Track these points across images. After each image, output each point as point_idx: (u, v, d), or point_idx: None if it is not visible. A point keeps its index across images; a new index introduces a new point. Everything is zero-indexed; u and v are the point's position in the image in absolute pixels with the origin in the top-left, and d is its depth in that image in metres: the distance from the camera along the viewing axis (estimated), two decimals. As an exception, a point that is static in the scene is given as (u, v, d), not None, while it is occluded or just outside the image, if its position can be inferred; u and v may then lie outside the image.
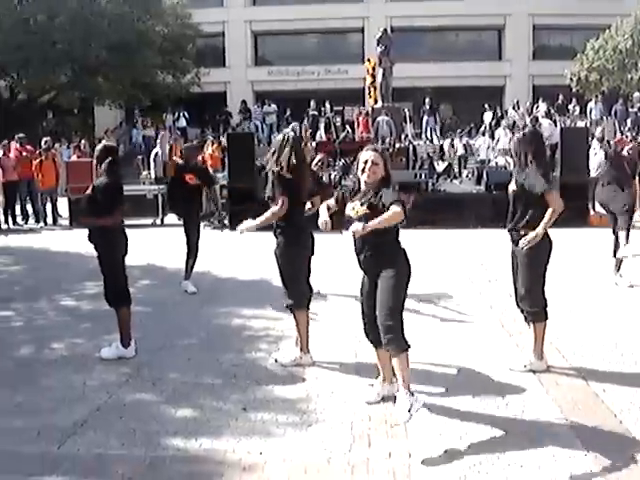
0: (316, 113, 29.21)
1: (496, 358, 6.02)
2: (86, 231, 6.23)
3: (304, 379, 5.58)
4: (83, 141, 23.17)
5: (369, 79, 23.99)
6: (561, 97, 29.72)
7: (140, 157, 23.20)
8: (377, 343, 4.89)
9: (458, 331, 6.90)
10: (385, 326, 4.61)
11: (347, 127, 25.96)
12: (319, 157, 9.91)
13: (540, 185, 5.44)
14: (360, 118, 25.10)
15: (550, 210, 5.40)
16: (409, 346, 4.63)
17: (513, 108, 30.08)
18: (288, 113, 32.22)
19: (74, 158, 19.46)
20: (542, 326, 5.69)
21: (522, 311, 5.80)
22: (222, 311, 7.81)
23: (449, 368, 5.80)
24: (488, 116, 29.36)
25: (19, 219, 16.90)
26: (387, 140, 19.23)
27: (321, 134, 25.45)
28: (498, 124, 28.78)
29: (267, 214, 5.70)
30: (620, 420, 4.66)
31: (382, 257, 4.71)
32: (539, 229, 5.40)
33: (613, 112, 28.19)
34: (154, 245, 11.92)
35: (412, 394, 4.50)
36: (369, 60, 24.39)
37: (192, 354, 6.30)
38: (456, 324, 7.16)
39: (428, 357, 6.02)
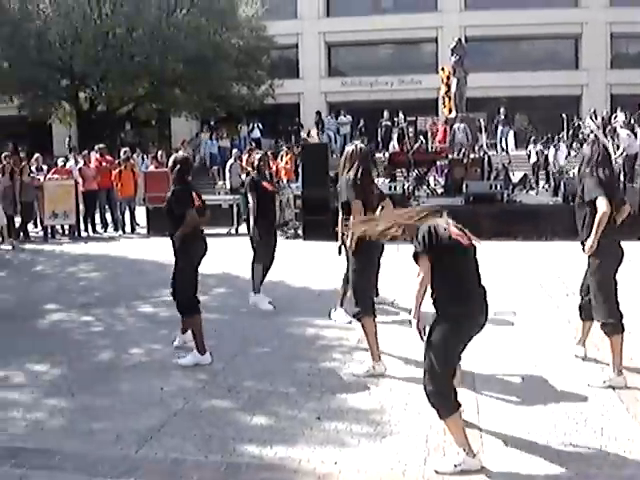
0: (389, 123, 29.21)
1: (574, 373, 5.89)
2: (164, 239, 6.37)
3: (378, 390, 5.57)
4: (160, 152, 23.65)
5: (443, 88, 23.81)
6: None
7: (216, 167, 23.57)
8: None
9: (536, 346, 6.77)
10: None
11: (421, 137, 25.84)
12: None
13: (589, 193, 5.40)
14: (439, 127, 24.86)
15: (597, 217, 5.42)
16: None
17: (590, 118, 29.44)
18: (362, 124, 32.29)
19: (151, 168, 19.87)
20: (619, 339, 5.55)
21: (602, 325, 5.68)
22: (295, 320, 7.86)
23: (526, 383, 5.71)
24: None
25: (98, 227, 17.34)
26: (463, 150, 19.04)
27: (394, 144, 25.38)
28: (575, 134, 28.27)
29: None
30: None
31: None
32: (592, 237, 5.45)
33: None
34: (229, 254, 12.04)
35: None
36: (443, 69, 24.24)
37: (266, 362, 6.35)
38: (534, 338, 7.02)
39: (505, 370, 5.95)
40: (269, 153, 18.12)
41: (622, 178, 17.30)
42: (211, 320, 7.73)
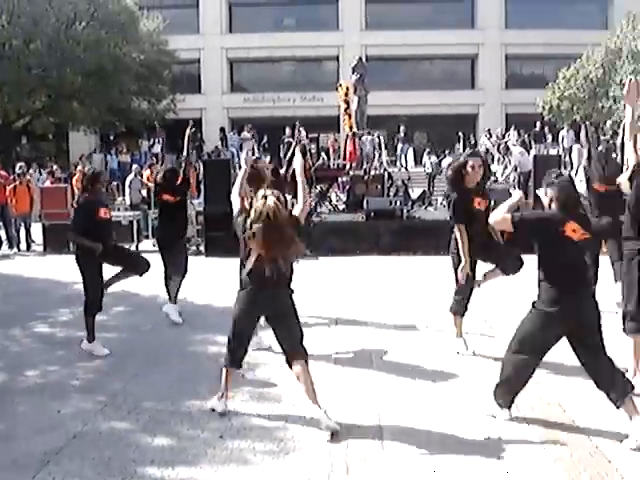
0: (291, 140, 29.32)
1: (472, 382, 6.04)
2: (60, 257, 6.27)
3: (281, 407, 5.56)
4: (55, 166, 23.09)
5: (343, 105, 24.04)
6: (538, 124, 30.10)
7: (115, 183, 23.15)
8: None
9: (436, 356, 6.91)
10: None
11: (322, 154, 26.11)
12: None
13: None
14: (348, 142, 25.03)
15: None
16: None
17: (486, 136, 30.43)
18: (265, 140, 32.34)
19: (48, 184, 19.36)
20: None
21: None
22: (198, 338, 7.77)
23: (434, 386, 5.81)
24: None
25: (-8, 245, 16.75)
26: (369, 163, 19.35)
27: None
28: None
29: None
30: None
31: None
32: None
33: (582, 139, 28.55)
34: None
35: None
36: (340, 85, 24.42)
37: (168, 381, 6.26)
38: (435, 347, 7.16)
39: (410, 374, 6.05)
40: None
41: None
42: (110, 339, 7.59)
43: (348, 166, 20.46)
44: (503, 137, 29.58)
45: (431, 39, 39.65)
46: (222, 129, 34.58)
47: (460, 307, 7.10)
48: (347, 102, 23.63)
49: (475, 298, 7.11)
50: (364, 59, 25.30)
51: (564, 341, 4.85)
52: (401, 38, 39.87)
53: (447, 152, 27.90)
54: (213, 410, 5.35)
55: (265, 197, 4.76)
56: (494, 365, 5.95)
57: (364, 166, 18.95)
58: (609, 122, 29.44)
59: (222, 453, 4.69)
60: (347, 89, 23.72)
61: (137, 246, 16.00)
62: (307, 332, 5.40)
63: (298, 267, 5.54)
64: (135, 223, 16.14)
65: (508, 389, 5.04)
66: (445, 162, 24.88)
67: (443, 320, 7.73)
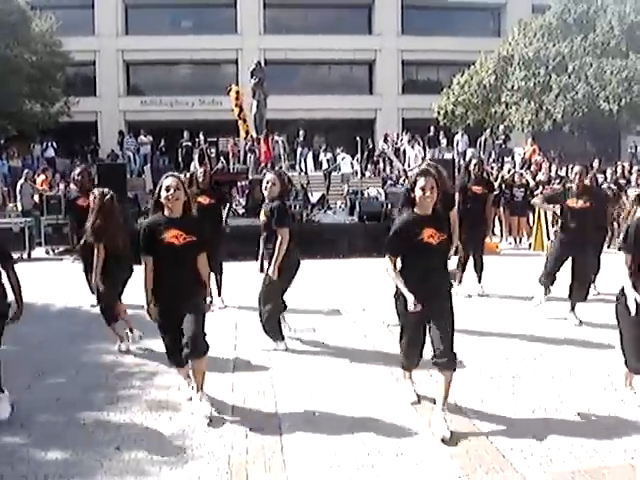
0: (189, 144, 29.04)
1: (374, 386, 6.12)
2: None
3: (179, 415, 5.48)
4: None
5: (236, 110, 23.90)
6: (432, 129, 30.78)
7: (6, 189, 22.36)
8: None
9: (336, 360, 6.96)
10: None
11: (221, 158, 25.94)
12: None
13: None
14: (262, 142, 24.91)
15: None
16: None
17: (384, 140, 30.92)
18: (162, 144, 31.89)
19: None
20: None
21: None
22: (92, 347, 7.58)
23: (331, 394, 5.85)
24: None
25: None
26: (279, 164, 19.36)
27: (195, 165, 25.25)
28: (370, 155, 29.58)
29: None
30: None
31: None
32: None
33: (479, 144, 29.42)
34: (21, 280, 11.46)
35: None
36: (231, 88, 24.27)
37: (62, 393, 6.08)
38: (333, 353, 7.21)
39: (308, 381, 6.07)
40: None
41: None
42: (1, 351, 7.31)
43: (263, 166, 20.39)
44: (396, 142, 30.13)
45: (329, 44, 39.98)
46: (121, 132, 33.91)
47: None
48: (240, 106, 23.54)
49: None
50: (263, 63, 25.30)
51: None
52: (300, 42, 40.07)
53: (341, 149, 28.34)
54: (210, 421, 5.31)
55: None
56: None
57: (275, 167, 18.91)
58: (501, 127, 30.37)
59: (118, 464, 4.59)
60: (237, 93, 23.62)
61: (29, 254, 15.51)
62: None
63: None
64: (27, 230, 15.62)
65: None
66: (340, 159, 25.40)
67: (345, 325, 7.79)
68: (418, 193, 5.15)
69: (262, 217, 7.21)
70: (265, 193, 7.19)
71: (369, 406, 5.60)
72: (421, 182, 5.14)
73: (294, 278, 7.30)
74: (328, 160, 27.61)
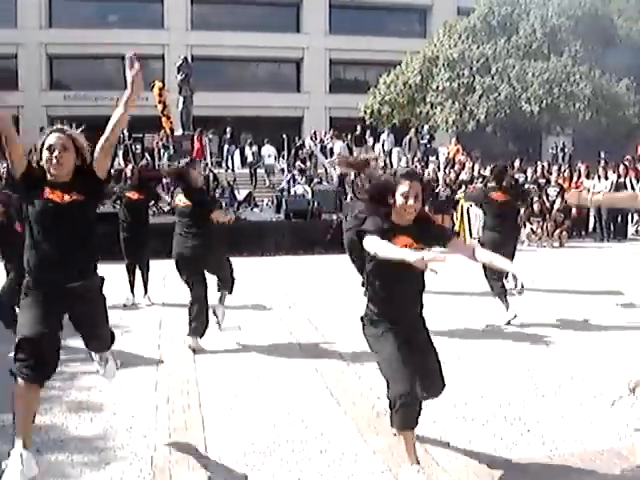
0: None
1: (295, 381, 6.14)
2: None
3: (101, 415, 5.40)
4: None
5: (159, 106, 23.61)
6: (359, 128, 31.00)
7: None
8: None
9: (259, 358, 6.96)
10: None
11: (146, 155, 25.63)
12: None
13: None
14: (195, 139, 24.67)
15: None
16: None
17: (311, 138, 31.01)
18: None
19: None
20: None
21: None
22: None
23: (250, 395, 5.85)
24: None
25: None
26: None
27: (119, 161, 24.86)
28: (297, 154, 29.59)
29: None
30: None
31: None
32: None
33: (404, 143, 29.76)
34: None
35: None
36: (154, 84, 23.97)
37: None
38: (258, 349, 7.22)
39: (232, 381, 6.06)
40: None
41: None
42: None
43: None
44: (322, 140, 30.29)
45: (257, 41, 39.95)
46: (42, 128, 33.05)
47: None
48: (163, 103, 23.26)
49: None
50: (190, 59, 25.11)
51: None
52: (227, 39, 39.89)
53: (266, 140, 28.40)
54: None
55: None
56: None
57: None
58: (426, 127, 30.80)
59: (39, 468, 4.49)
60: (160, 89, 23.35)
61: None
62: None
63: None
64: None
65: None
66: (265, 151, 25.56)
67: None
68: (399, 200, 4.06)
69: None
70: None
71: (294, 403, 5.61)
72: (404, 187, 4.05)
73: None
74: (253, 153, 27.77)
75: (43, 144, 4.35)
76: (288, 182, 21.82)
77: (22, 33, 39.33)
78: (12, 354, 4.12)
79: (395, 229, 4.08)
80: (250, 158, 27.81)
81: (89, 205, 4.41)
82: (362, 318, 4.35)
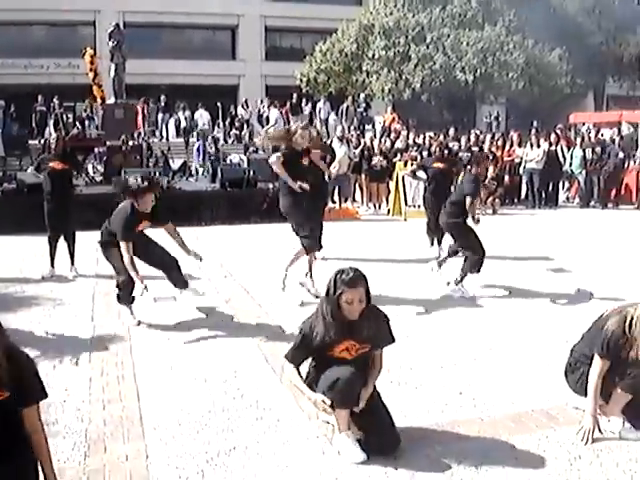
0: (44, 109, 27.84)
1: (231, 350, 6.15)
2: None
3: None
4: None
5: (91, 75, 23.12)
6: (295, 97, 30.85)
7: None
8: None
9: (195, 327, 6.93)
10: None
11: (77, 124, 25.10)
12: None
13: None
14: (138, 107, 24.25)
15: None
16: None
17: (242, 107, 30.80)
18: (13, 109, 30.38)
19: None
20: None
21: None
22: None
23: (186, 365, 5.83)
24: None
25: None
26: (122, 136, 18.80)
27: (50, 131, 24.29)
28: (232, 122, 29.39)
29: None
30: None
31: None
32: None
33: (340, 112, 29.74)
34: None
35: None
36: (86, 51, 23.46)
37: None
38: (192, 319, 7.19)
39: (165, 359, 6.03)
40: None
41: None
42: None
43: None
44: (259, 109, 30.13)
45: (192, 8, 39.28)
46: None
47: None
48: (94, 70, 22.82)
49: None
50: (122, 25, 24.54)
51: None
52: (160, 5, 39.09)
53: (200, 105, 28.25)
54: None
55: None
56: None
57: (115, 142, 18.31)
58: (362, 95, 30.82)
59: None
60: (92, 57, 22.88)
61: None
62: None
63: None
64: None
65: None
66: (198, 115, 25.47)
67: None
68: (343, 305, 4.08)
69: None
70: None
71: (230, 372, 5.62)
72: (348, 295, 4.05)
73: None
74: (186, 118, 27.62)
75: None
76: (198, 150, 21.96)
77: (-54, -2, 37.93)
78: None
79: (338, 331, 4.15)
80: (184, 123, 27.64)
81: None
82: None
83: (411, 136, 19.63)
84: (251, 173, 15.30)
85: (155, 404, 4.97)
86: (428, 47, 30.69)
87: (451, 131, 20.28)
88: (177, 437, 4.46)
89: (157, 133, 28.53)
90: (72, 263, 9.43)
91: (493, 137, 19.48)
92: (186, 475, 4.00)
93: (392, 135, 20.56)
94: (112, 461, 4.17)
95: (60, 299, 8.04)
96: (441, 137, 18.46)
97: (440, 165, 11.02)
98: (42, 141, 19.04)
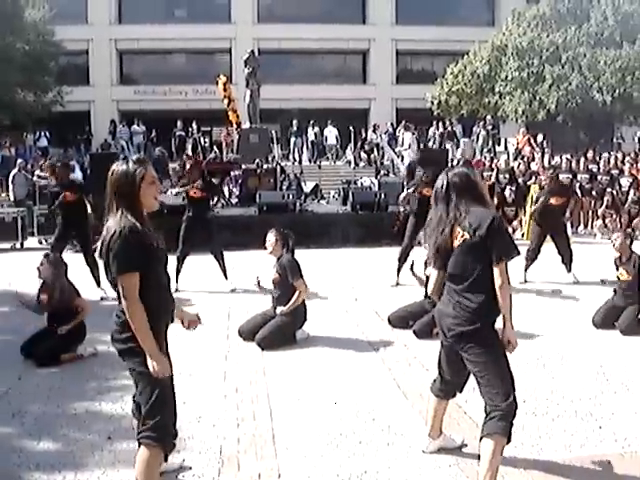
0: (183, 134, 28.98)
1: (362, 373, 6.13)
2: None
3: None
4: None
5: (225, 101, 23.88)
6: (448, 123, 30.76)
7: (-1, 179, 22.24)
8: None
9: (326, 350, 6.97)
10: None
11: (215, 148, 25.92)
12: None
13: None
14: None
15: None
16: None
17: (373, 131, 30.93)
18: (154, 134, 31.76)
19: None
20: None
21: None
22: (87, 337, 7.56)
23: (317, 386, 5.86)
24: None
25: None
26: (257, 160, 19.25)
27: (188, 155, 25.24)
28: (362, 146, 29.56)
29: None
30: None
31: None
32: None
33: (474, 135, 29.35)
34: (14, 270, 11.43)
35: None
36: (219, 77, 24.23)
37: (54, 383, 6.08)
38: (325, 342, 7.22)
39: (301, 369, 6.08)
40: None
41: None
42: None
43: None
44: (394, 132, 30.14)
45: (323, 34, 39.84)
46: (112, 122, 33.87)
47: None
48: (228, 97, 23.53)
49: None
50: (256, 52, 25.25)
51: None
52: (293, 32, 39.93)
53: (329, 122, 28.70)
54: None
55: None
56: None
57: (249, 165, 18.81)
58: (488, 117, 30.29)
59: (110, 455, 4.60)
60: (224, 84, 23.61)
61: (22, 244, 15.49)
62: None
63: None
64: (19, 220, 15.57)
65: None
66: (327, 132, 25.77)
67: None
68: None
69: (274, 275, 7.33)
70: (269, 250, 7.40)
71: (361, 395, 5.62)
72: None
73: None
74: (316, 134, 28.26)
75: None
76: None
77: (93, 29, 40.12)
78: None
79: None
80: (312, 137, 28.32)
81: None
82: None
83: (546, 158, 19.14)
84: (382, 196, 15.31)
85: (287, 424, 5.03)
86: (563, 67, 29.83)
87: (589, 153, 19.59)
88: (309, 458, 4.48)
89: (290, 157, 29.07)
90: (226, 278, 9.84)
91: (637, 158, 18.70)
92: (318, 497, 4.01)
93: (525, 157, 20.12)
94: (245, 479, 4.24)
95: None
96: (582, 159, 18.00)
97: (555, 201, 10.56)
98: (181, 165, 19.76)
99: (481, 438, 3.87)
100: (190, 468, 4.38)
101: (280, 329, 7.10)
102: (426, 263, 6.05)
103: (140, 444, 3.67)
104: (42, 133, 31.02)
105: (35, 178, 18.38)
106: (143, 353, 3.58)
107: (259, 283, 7.59)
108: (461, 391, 4.36)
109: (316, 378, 6.07)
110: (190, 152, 25.36)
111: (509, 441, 3.87)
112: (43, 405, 5.52)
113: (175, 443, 3.76)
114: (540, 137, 25.07)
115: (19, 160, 20.76)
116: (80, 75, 40.11)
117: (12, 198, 18.54)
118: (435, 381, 4.44)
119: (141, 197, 3.68)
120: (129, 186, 3.64)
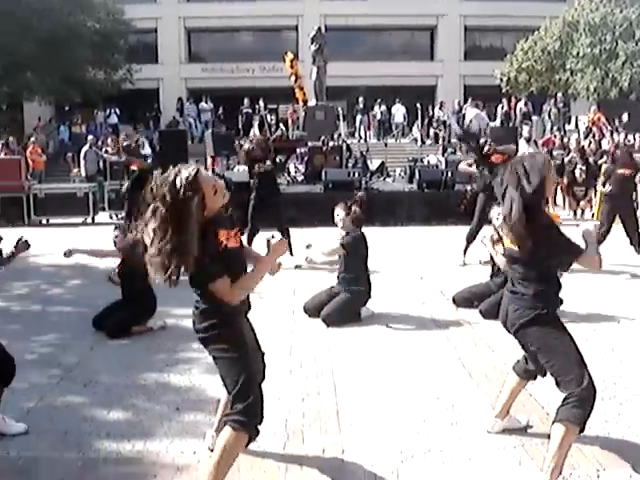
0: (250, 111, 29.16)
1: (427, 352, 6.12)
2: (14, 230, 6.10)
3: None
4: (11, 138, 22.58)
5: (292, 78, 23.89)
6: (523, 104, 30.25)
7: (70, 155, 22.77)
8: None
9: (390, 328, 6.97)
10: None
11: (281, 125, 26.00)
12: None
13: None
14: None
15: None
16: None
17: (440, 108, 30.59)
18: (220, 111, 32.04)
19: (2, 156, 19.00)
20: None
21: None
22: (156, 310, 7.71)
23: (381, 364, 5.87)
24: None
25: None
26: (323, 137, 19.24)
27: (255, 132, 25.36)
28: (430, 123, 29.28)
29: None
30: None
31: None
32: None
33: (545, 112, 28.80)
34: (85, 244, 11.69)
35: None
36: (287, 54, 24.25)
37: (123, 354, 6.23)
38: (390, 319, 7.22)
39: (367, 353, 6.10)
40: None
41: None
42: (66, 313, 7.57)
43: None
44: (460, 108, 29.71)
45: (390, 10, 39.48)
46: (180, 99, 34.29)
47: None
48: (295, 74, 23.52)
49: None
50: (323, 29, 25.18)
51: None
52: (360, 8, 39.70)
53: (397, 100, 28.62)
54: None
55: None
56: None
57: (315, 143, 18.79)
58: (559, 95, 29.68)
59: (178, 425, 4.69)
60: (292, 61, 23.59)
61: (93, 218, 15.84)
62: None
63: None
64: (91, 195, 15.92)
65: None
66: (395, 109, 25.20)
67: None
68: None
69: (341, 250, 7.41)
70: (340, 225, 7.53)
71: (426, 374, 5.60)
72: None
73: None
74: (382, 112, 28.13)
75: None
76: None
77: (161, 8, 40.60)
78: None
79: None
80: (379, 116, 28.18)
81: None
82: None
83: (616, 136, 18.67)
84: (449, 174, 15.17)
85: (351, 401, 5.05)
86: (637, 44, 28.96)
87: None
88: (372, 435, 4.50)
89: (356, 134, 28.98)
90: (291, 254, 9.88)
91: None
92: (380, 473, 4.02)
93: (597, 135, 19.65)
94: (309, 452, 4.29)
95: (262, 292, 8.35)
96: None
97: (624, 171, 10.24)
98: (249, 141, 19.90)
99: (553, 422, 3.79)
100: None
101: (345, 306, 7.13)
102: (493, 240, 5.95)
103: (225, 424, 3.71)
104: (112, 110, 31.65)
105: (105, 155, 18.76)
106: (224, 340, 3.65)
107: (307, 258, 7.89)
108: (544, 375, 4.22)
109: (380, 356, 6.09)
110: (257, 129, 25.47)
111: (582, 430, 3.74)
112: (114, 376, 5.66)
113: (259, 430, 3.77)
114: (625, 117, 24.18)
115: (90, 137, 21.22)
116: (149, 53, 40.69)
117: (83, 174, 18.98)
118: (519, 361, 4.37)
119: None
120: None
